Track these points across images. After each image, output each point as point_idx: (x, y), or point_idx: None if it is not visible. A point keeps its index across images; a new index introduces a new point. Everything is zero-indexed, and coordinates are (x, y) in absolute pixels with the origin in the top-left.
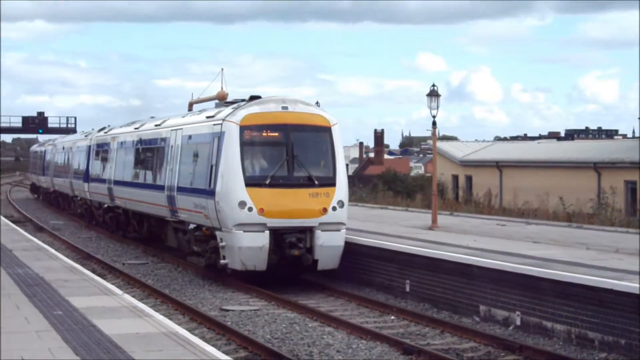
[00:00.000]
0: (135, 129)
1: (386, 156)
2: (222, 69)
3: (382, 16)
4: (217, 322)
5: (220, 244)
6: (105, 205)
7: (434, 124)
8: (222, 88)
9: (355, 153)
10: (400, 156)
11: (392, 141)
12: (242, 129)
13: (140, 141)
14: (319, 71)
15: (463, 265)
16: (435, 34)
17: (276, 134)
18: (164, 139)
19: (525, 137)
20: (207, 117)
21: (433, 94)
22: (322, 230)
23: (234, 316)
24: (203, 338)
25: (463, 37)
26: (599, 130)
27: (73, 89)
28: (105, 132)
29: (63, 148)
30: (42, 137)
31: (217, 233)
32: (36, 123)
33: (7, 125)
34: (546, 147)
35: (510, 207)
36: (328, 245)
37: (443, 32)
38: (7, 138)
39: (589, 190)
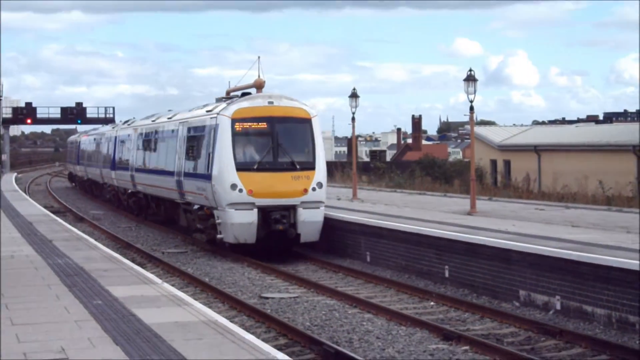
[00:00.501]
0: (152, 121)
1: (424, 142)
2: (259, 57)
3: (417, 2)
4: (256, 310)
5: (217, 221)
6: (129, 191)
7: (472, 108)
8: (259, 76)
9: (393, 139)
10: (438, 142)
11: (430, 127)
12: (234, 121)
13: (155, 132)
14: (356, 58)
15: (502, 250)
16: (472, 19)
17: (263, 125)
18: (173, 131)
19: (563, 121)
20: (207, 112)
21: (470, 78)
22: (304, 208)
23: (273, 304)
24: (242, 326)
25: (499, 22)
26: (638, 112)
27: (111, 79)
28: (128, 124)
29: (94, 139)
30: (80, 128)
31: (215, 212)
32: (75, 113)
33: (46, 116)
34: (585, 130)
35: (549, 191)
36: (309, 221)
37: (479, 17)
38: (47, 129)
39: (628, 173)
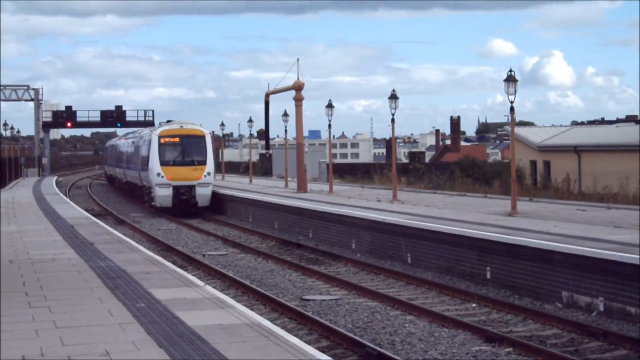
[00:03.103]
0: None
1: (462, 143)
2: (298, 60)
3: (451, 3)
4: (298, 312)
5: (151, 195)
6: (126, 180)
7: (512, 109)
8: (298, 78)
9: (431, 140)
10: (477, 143)
11: (468, 128)
12: (160, 137)
13: (134, 142)
14: (392, 60)
15: (544, 251)
16: (505, 20)
17: (176, 139)
18: (140, 141)
19: (602, 121)
20: (150, 131)
21: (510, 79)
22: (199, 186)
23: (315, 306)
24: (285, 328)
25: (533, 22)
26: None
27: (147, 82)
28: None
29: (132, 142)
30: (120, 131)
31: (151, 189)
32: (114, 117)
33: (86, 119)
34: (625, 130)
35: (589, 192)
36: (202, 194)
37: (513, 17)
38: (86, 132)
39: None
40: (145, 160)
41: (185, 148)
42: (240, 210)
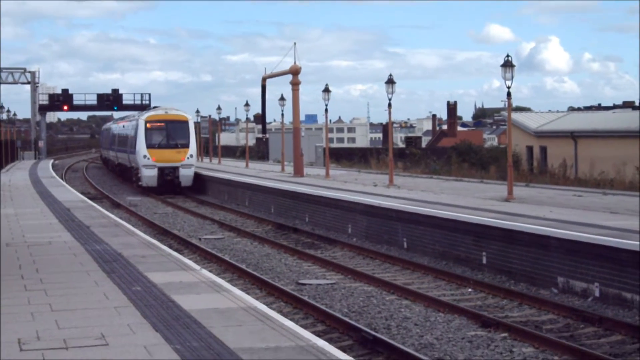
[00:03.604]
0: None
1: (459, 128)
2: (295, 44)
3: None
4: (294, 297)
5: (138, 175)
6: (118, 162)
7: (509, 94)
8: (294, 62)
9: (427, 125)
10: (474, 128)
11: (464, 113)
12: (146, 122)
13: (123, 127)
14: (388, 44)
15: (540, 236)
16: (502, 5)
17: (162, 124)
18: (129, 126)
19: (599, 107)
20: (137, 117)
21: (507, 64)
22: (182, 168)
23: (311, 290)
24: (281, 312)
25: (530, 8)
26: None
27: (144, 65)
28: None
29: (123, 126)
30: (117, 115)
31: (138, 170)
32: (111, 100)
33: (83, 103)
34: (622, 116)
35: (586, 177)
36: (185, 175)
37: (510, 3)
38: (83, 116)
39: None
40: (133, 143)
41: (170, 132)
42: (236, 195)
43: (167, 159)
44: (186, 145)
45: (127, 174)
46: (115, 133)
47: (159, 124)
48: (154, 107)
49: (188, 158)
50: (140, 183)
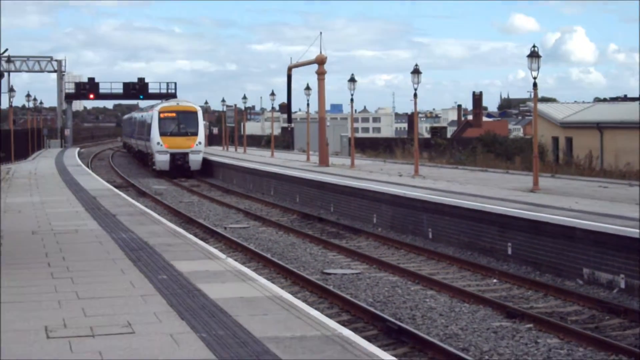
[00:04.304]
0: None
1: (484, 118)
2: (321, 33)
3: None
4: (319, 286)
5: (153, 160)
6: (137, 149)
7: (535, 85)
8: (320, 52)
9: (453, 116)
10: (499, 118)
11: (489, 103)
12: (159, 112)
13: (141, 117)
14: (413, 34)
15: (566, 227)
16: None
17: (173, 114)
18: (146, 115)
19: (625, 98)
20: (152, 108)
21: (534, 55)
22: (191, 154)
23: (336, 280)
24: (306, 301)
25: None
26: None
27: (169, 54)
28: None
29: (141, 116)
30: (142, 103)
31: (152, 155)
32: (137, 89)
33: (109, 91)
34: None
35: (612, 169)
36: (194, 160)
37: None
38: (109, 104)
39: None
40: (148, 131)
41: (181, 121)
42: (262, 184)
43: (178, 145)
44: (195, 134)
45: (145, 160)
46: (135, 122)
47: (171, 114)
48: (167, 99)
49: (197, 145)
50: (154, 167)
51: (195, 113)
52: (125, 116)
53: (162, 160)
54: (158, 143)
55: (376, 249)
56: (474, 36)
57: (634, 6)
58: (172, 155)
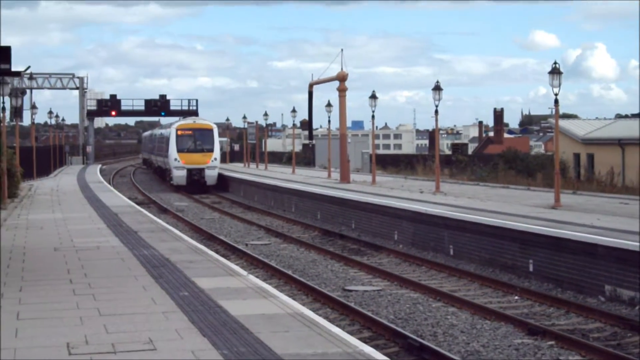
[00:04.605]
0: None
1: (505, 135)
2: (342, 50)
3: None
4: (340, 303)
5: (170, 175)
6: (157, 165)
7: (556, 101)
8: (341, 69)
9: (474, 132)
10: (520, 135)
11: (510, 120)
12: (177, 130)
13: (160, 134)
14: (434, 51)
15: (588, 244)
16: (548, 11)
17: (190, 132)
18: (165, 133)
19: None
20: (170, 125)
21: (555, 71)
22: (207, 169)
23: (357, 296)
24: (327, 318)
25: (576, 14)
26: None
27: (191, 71)
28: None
29: (160, 134)
30: (164, 120)
31: (170, 170)
32: (158, 106)
33: (130, 108)
34: None
35: (633, 185)
36: (210, 175)
37: (555, 9)
38: (130, 121)
39: None
40: (166, 148)
41: (197, 139)
42: (283, 200)
43: (194, 161)
44: (211, 150)
45: (164, 175)
46: (154, 139)
47: (188, 131)
48: (185, 117)
49: (212, 161)
50: (171, 182)
51: (211, 130)
52: (145, 133)
53: (179, 175)
54: (175, 159)
55: (397, 265)
56: (494, 52)
57: None
58: (189, 170)
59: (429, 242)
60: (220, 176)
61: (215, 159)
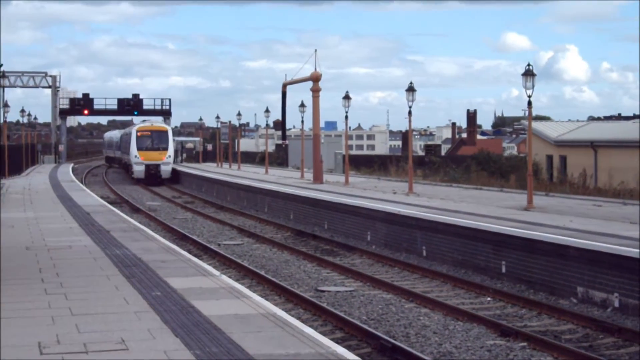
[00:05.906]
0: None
1: (478, 136)
2: (316, 51)
3: None
4: (313, 303)
5: (132, 170)
6: (123, 161)
7: (530, 103)
8: (315, 69)
9: (447, 134)
10: (493, 136)
11: (483, 122)
12: (137, 131)
13: (124, 134)
14: (406, 52)
15: (560, 246)
16: (520, 13)
17: (148, 133)
18: (127, 133)
19: (619, 117)
20: (132, 127)
21: (528, 73)
22: (162, 165)
23: (330, 297)
24: (300, 319)
25: (548, 17)
26: None
27: (163, 70)
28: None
29: (120, 136)
30: (137, 119)
31: (130, 166)
32: (131, 105)
33: (103, 107)
34: None
35: (606, 187)
36: (165, 170)
37: (527, 11)
38: (103, 120)
39: None
40: (128, 147)
41: (154, 139)
42: (256, 201)
43: (151, 158)
44: (165, 149)
45: (127, 169)
46: (119, 140)
47: (146, 132)
48: (144, 121)
49: (167, 158)
50: (132, 175)
51: (166, 132)
52: (106, 134)
53: (139, 170)
54: (136, 156)
55: (370, 266)
56: (466, 54)
57: (626, 26)
58: (147, 166)
59: (401, 243)
60: (174, 170)
61: (170, 156)
